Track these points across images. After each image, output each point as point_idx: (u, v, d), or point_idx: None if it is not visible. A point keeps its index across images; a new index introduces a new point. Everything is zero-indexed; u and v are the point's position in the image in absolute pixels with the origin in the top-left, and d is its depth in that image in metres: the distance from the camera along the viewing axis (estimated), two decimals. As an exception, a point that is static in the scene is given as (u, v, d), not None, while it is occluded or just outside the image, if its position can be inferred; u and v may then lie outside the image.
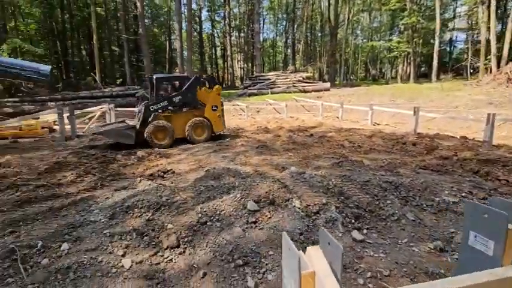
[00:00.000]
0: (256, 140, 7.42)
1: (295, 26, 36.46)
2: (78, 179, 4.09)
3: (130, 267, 2.08)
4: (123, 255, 2.21)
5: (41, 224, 2.55)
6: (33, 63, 8.83)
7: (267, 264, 2.03)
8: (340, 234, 2.37)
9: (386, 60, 38.25)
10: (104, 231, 2.45)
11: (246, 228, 2.40)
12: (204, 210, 2.65)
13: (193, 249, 2.28)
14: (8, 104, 16.17)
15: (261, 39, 30.64)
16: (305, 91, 19.61)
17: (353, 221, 2.62)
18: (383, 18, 38.24)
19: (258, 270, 2.00)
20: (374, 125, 10.18)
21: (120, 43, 31.42)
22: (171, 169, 4.68)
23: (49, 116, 11.92)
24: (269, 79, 21.45)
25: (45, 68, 7.71)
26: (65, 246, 2.23)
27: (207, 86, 7.97)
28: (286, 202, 2.68)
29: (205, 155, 5.93)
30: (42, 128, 10.23)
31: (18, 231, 2.38)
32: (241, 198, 2.74)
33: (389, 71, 40.30)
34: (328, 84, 20.78)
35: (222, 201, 2.73)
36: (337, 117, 12.49)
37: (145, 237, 2.44)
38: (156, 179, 4.06)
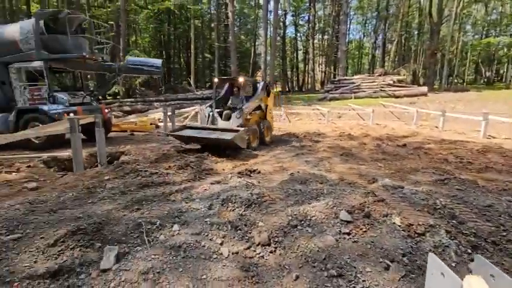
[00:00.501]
0: (340, 147, 7.09)
1: (387, 24, 33.41)
2: (180, 170, 4.70)
3: (228, 256, 2.26)
4: (221, 244, 2.42)
5: (157, 205, 3.03)
6: (149, 59, 11.36)
7: (364, 281, 1.90)
8: (454, 264, 2.03)
9: (507, 59, 31.14)
10: (205, 220, 2.74)
11: (339, 238, 2.31)
12: (294, 213, 2.67)
13: (284, 250, 2.32)
14: (127, 103, 19.88)
15: (347, 40, 29.20)
16: (395, 96, 17.76)
17: (469, 250, 2.21)
18: (505, 8, 31.34)
19: (353, 285, 1.90)
20: (488, 138, 8.43)
21: (211, 50, 34.89)
22: (257, 169, 4.91)
23: (156, 115, 14.11)
24: (353, 83, 20.27)
25: (158, 61, 9.66)
26: (175, 227, 2.59)
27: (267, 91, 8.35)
28: (384, 217, 2.46)
29: (287, 158, 6.00)
30: (151, 124, 12.19)
31: (142, 209, 2.88)
32: (333, 206, 2.66)
33: (511, 73, 32.71)
34: (425, 89, 18.30)
35: (312, 207, 2.71)
36: (436, 127, 10.86)
37: (239, 231, 2.62)
38: (244, 177, 4.31)
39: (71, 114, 7.24)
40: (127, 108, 18.35)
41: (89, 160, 6.28)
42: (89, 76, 16.11)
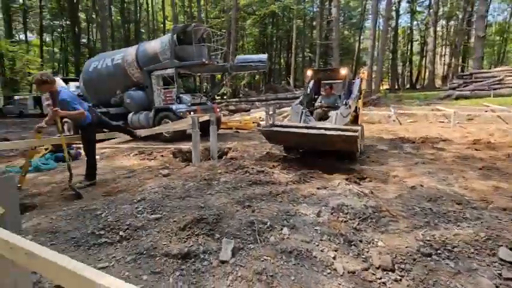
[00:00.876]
0: (476, 158, 5.66)
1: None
2: (284, 170, 4.72)
3: (343, 273, 2.05)
4: (333, 258, 2.22)
5: (266, 204, 3.08)
6: (255, 55, 12.07)
7: None
8: None
9: None
10: (315, 227, 2.59)
11: (500, 284, 1.73)
12: (427, 238, 2.20)
13: (414, 282, 1.92)
14: (232, 103, 21.89)
15: (485, 24, 23.35)
16: None
17: None
18: None
19: None
20: None
21: (312, 49, 34.46)
22: (366, 176, 4.43)
23: (257, 114, 14.96)
24: (494, 76, 16.04)
25: (264, 56, 10.14)
26: (285, 230, 2.54)
27: None
28: None
29: (402, 166, 5.20)
30: (253, 123, 12.97)
31: (253, 206, 2.98)
32: (486, 238, 2.04)
33: None
34: None
35: (453, 235, 2.16)
36: None
37: (353, 247, 2.36)
38: (353, 184, 3.94)
39: (192, 113, 8.42)
40: (232, 107, 20.21)
41: (204, 153, 7.13)
42: (203, 79, 18.63)
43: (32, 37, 32.93)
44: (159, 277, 2.01)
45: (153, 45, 9.85)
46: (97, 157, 6.29)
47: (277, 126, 5.85)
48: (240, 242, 2.39)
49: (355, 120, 6.58)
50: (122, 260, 2.19)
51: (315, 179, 4.30)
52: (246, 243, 2.38)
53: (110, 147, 7.14)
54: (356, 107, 6.54)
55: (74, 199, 3.70)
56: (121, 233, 2.51)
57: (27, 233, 2.63)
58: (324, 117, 6.16)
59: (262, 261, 2.15)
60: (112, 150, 7.14)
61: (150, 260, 2.18)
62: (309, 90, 6.75)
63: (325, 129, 5.16)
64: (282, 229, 2.58)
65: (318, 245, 2.37)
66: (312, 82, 6.89)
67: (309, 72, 6.60)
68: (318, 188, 3.62)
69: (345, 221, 2.70)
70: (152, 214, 2.76)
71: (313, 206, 3.03)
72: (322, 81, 7.06)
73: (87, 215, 2.92)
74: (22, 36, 31.00)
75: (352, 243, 2.38)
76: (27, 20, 31.07)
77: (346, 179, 4.15)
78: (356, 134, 4.62)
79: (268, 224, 2.62)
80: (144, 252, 2.25)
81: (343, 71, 6.21)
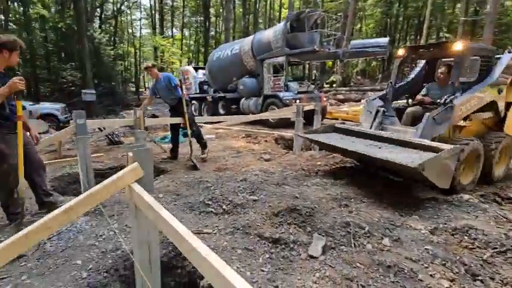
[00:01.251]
0: None
1: None
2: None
3: (458, 312, 1.66)
4: (447, 289, 1.82)
5: (366, 207, 2.81)
6: (373, 39, 10.55)
7: None
8: None
9: None
10: (425, 246, 2.19)
11: None
12: None
13: None
14: (341, 92, 20.68)
15: None
16: None
17: None
18: None
19: None
20: None
21: (451, 28, 28.07)
22: (513, 196, 3.37)
23: (368, 104, 13.59)
24: None
25: (384, 40, 8.86)
26: (386, 241, 2.26)
27: None
28: None
29: None
30: (362, 114, 11.89)
31: (350, 207, 2.78)
32: None
33: None
34: None
35: None
36: None
37: (479, 282, 1.86)
38: (491, 203, 3.08)
39: (297, 101, 8.46)
40: (341, 96, 19.07)
41: (305, 143, 7.11)
42: (313, 66, 18.21)
43: (176, 32, 40.32)
44: (250, 254, 2.17)
45: (267, 34, 10.28)
46: (212, 136, 7.30)
47: (337, 129, 4.50)
48: (332, 241, 2.29)
49: (496, 126, 4.28)
50: (223, 230, 2.48)
51: (434, 186, 3.59)
52: (338, 244, 2.25)
53: (223, 128, 8.08)
54: (494, 103, 3.97)
55: (193, 170, 4.41)
56: (224, 206, 2.84)
57: (160, 191, 3.34)
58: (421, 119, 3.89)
59: (354, 267, 1.99)
60: (225, 131, 8.07)
61: (244, 236, 2.38)
62: (413, 75, 4.71)
63: (389, 142, 3.53)
64: (382, 238, 2.30)
65: (427, 268, 1.99)
66: (421, 65, 4.76)
67: (402, 51, 4.32)
68: (435, 199, 3.02)
69: (470, 248, 2.16)
70: (251, 195, 2.99)
71: (427, 221, 2.56)
72: (442, 59, 4.61)
73: (201, 186, 3.44)
74: (169, 32, 38.45)
75: (478, 277, 1.89)
76: (174, 18, 38.17)
77: (481, 195, 3.28)
78: (414, 165, 2.57)
79: (366, 229, 2.38)
80: (241, 228, 2.47)
81: (458, 46, 3.57)
